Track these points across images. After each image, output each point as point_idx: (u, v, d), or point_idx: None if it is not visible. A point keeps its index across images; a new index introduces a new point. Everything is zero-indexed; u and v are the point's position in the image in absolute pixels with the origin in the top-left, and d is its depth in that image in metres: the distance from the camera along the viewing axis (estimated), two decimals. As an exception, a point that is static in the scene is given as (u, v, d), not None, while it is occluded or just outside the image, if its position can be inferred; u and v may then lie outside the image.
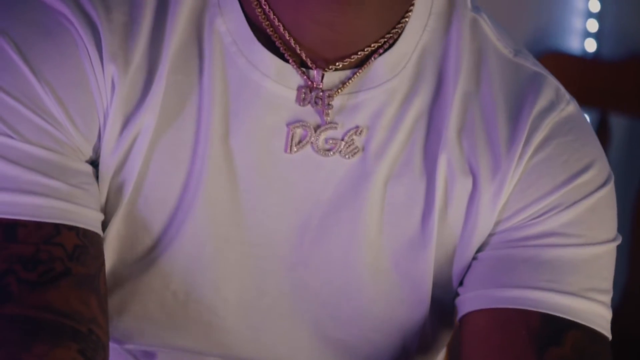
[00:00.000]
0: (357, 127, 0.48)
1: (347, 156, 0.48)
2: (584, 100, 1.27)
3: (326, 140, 0.48)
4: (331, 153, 0.48)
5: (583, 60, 1.40)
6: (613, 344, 0.57)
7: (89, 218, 0.49)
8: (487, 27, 0.53)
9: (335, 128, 0.48)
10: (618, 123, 1.36)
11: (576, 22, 1.39)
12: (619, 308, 1.23)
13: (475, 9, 0.53)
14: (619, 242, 0.52)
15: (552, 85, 0.52)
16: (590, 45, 1.38)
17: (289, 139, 0.49)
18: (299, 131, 0.48)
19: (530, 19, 1.42)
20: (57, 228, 0.48)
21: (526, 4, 1.42)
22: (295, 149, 0.49)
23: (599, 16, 1.36)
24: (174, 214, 0.53)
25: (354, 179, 0.46)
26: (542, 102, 0.51)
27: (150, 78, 0.50)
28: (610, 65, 1.36)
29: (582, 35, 1.39)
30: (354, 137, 0.48)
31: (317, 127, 0.48)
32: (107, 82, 0.49)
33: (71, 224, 0.48)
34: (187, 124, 0.50)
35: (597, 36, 1.36)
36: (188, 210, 0.51)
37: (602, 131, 1.32)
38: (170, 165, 0.51)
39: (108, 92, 0.50)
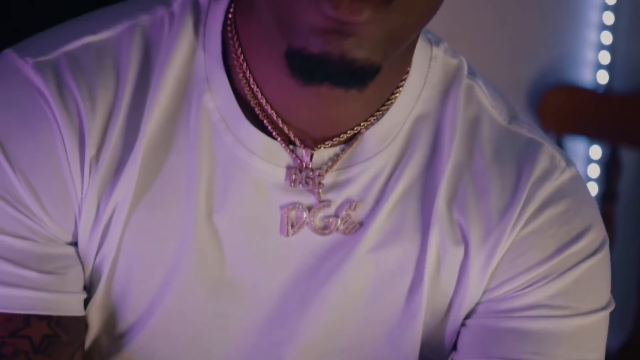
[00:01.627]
0: (350, 201, 0.48)
1: (346, 232, 0.47)
2: (595, 133, 1.36)
3: (322, 219, 0.48)
4: (328, 231, 0.48)
5: (595, 93, 1.39)
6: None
7: (64, 304, 0.49)
8: (482, 94, 0.52)
9: (329, 206, 0.48)
10: (629, 156, 1.35)
11: (588, 55, 1.39)
12: (627, 346, 1.24)
13: (471, 74, 0.53)
14: (611, 308, 0.51)
15: (547, 153, 0.51)
16: (602, 78, 1.37)
17: (284, 223, 0.48)
18: (293, 213, 0.48)
19: (542, 51, 1.43)
20: (27, 319, 0.47)
21: (538, 36, 1.42)
22: (292, 232, 0.48)
23: (611, 49, 1.35)
24: (156, 291, 0.52)
25: (346, 251, 0.46)
26: (537, 172, 0.50)
27: (126, 156, 0.49)
28: (622, 98, 1.35)
29: (594, 68, 1.38)
30: (350, 212, 0.47)
31: (310, 207, 0.48)
32: (86, 167, 0.48)
33: (43, 313, 0.47)
34: (169, 202, 0.49)
35: (609, 69, 1.36)
36: (170, 286, 0.51)
37: (613, 164, 1.32)
38: (149, 243, 0.51)
39: (86, 177, 0.49)
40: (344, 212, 0.47)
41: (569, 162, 0.52)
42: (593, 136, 1.37)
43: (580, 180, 0.53)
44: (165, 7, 0.52)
